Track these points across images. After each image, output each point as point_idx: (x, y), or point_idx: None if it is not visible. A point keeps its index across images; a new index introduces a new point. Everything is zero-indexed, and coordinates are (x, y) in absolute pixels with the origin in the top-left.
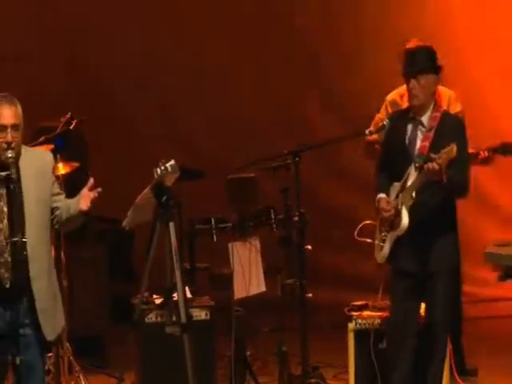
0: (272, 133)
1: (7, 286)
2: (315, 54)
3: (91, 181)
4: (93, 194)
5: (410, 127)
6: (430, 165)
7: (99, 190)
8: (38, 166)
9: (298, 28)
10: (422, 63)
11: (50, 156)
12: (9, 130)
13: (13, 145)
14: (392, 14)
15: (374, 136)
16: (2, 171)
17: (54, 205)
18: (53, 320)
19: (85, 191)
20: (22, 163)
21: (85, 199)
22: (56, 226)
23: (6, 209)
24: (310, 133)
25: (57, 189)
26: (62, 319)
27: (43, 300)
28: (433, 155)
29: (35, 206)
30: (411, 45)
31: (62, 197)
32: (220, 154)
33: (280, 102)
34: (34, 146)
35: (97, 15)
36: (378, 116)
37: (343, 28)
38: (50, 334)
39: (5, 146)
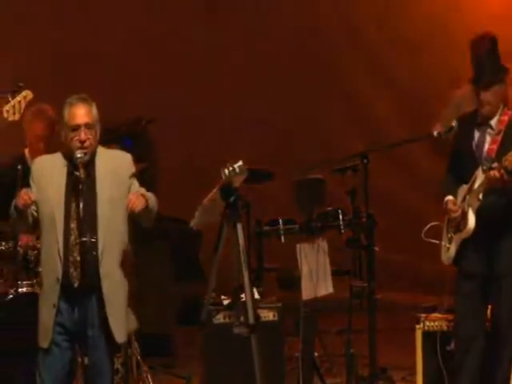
0: (341, 133)
1: (76, 285)
2: (386, 55)
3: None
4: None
5: (478, 130)
6: (492, 173)
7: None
8: (115, 166)
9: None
10: (493, 74)
11: (129, 157)
12: (82, 128)
13: (86, 143)
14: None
15: None
16: (75, 171)
17: None
18: (123, 321)
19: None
20: (99, 162)
21: (137, 201)
22: (142, 223)
23: (76, 209)
24: (379, 133)
25: (135, 188)
26: (134, 321)
27: (113, 301)
28: (496, 163)
29: (108, 206)
30: (479, 39)
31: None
32: (288, 155)
33: (351, 103)
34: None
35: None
36: (445, 111)
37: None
38: (120, 336)
39: (78, 144)
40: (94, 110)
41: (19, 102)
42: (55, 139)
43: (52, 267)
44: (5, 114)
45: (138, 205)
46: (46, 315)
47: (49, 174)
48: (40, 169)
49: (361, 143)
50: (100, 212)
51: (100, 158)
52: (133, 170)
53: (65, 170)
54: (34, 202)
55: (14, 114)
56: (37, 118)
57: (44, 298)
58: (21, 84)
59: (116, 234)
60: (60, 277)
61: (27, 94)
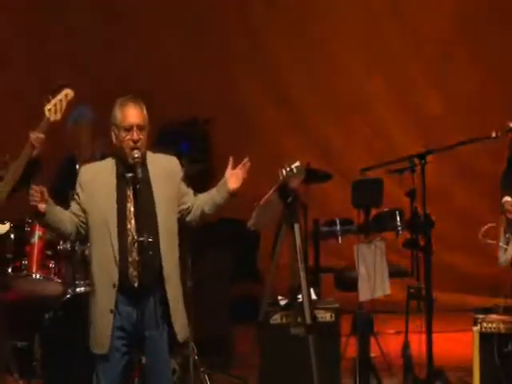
0: (399, 134)
1: (136, 284)
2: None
3: (231, 160)
4: (241, 171)
5: None
6: None
7: (246, 161)
8: (166, 168)
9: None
10: None
11: (176, 160)
12: (135, 128)
13: (138, 144)
14: None
15: None
16: (128, 172)
17: (185, 206)
18: (182, 320)
19: (230, 172)
20: (150, 166)
21: (233, 178)
22: (193, 223)
23: (133, 209)
24: (437, 134)
25: (185, 189)
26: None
27: (175, 299)
28: None
29: (165, 206)
30: None
31: (191, 196)
32: (347, 155)
33: (407, 103)
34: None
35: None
36: None
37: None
38: (180, 334)
39: (131, 144)
40: (145, 111)
41: (60, 100)
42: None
43: (108, 273)
44: (47, 114)
45: (239, 182)
46: (103, 321)
47: (97, 180)
48: (88, 177)
49: (419, 144)
50: (159, 213)
51: (150, 160)
52: (181, 173)
53: (114, 174)
54: (83, 212)
55: (56, 113)
56: (78, 125)
57: (99, 304)
58: (61, 82)
59: (173, 234)
60: (116, 282)
61: (68, 93)
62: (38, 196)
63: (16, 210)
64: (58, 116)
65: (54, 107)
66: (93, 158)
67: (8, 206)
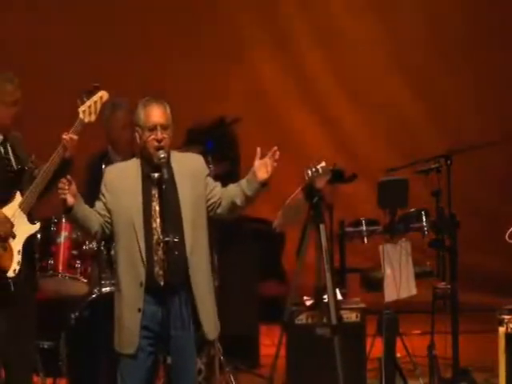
0: (425, 134)
1: (162, 283)
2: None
3: (259, 150)
4: (270, 160)
5: None
6: None
7: (275, 150)
8: (191, 167)
9: None
10: None
11: (201, 158)
12: (158, 128)
13: (163, 143)
14: None
15: None
16: (154, 172)
17: (214, 199)
18: (212, 319)
19: (258, 162)
20: (175, 165)
21: (263, 168)
22: (225, 215)
23: (158, 208)
24: (462, 135)
25: (211, 184)
26: (218, 325)
27: (203, 299)
28: None
29: (190, 206)
30: None
31: (219, 188)
32: (372, 156)
33: (433, 104)
34: (182, 147)
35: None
36: None
37: None
38: (210, 333)
39: (156, 143)
40: (168, 111)
41: (95, 102)
42: None
43: (134, 272)
44: (81, 115)
45: (268, 171)
46: (131, 320)
47: (122, 180)
48: (112, 178)
49: (445, 144)
50: (184, 212)
51: (174, 159)
52: (207, 170)
53: (139, 174)
54: (109, 212)
55: (90, 114)
56: (116, 110)
57: (126, 303)
58: (96, 84)
59: (200, 234)
60: (144, 281)
61: (103, 95)
62: (67, 188)
63: (42, 210)
64: (93, 118)
65: (89, 109)
66: (128, 154)
67: (39, 207)
